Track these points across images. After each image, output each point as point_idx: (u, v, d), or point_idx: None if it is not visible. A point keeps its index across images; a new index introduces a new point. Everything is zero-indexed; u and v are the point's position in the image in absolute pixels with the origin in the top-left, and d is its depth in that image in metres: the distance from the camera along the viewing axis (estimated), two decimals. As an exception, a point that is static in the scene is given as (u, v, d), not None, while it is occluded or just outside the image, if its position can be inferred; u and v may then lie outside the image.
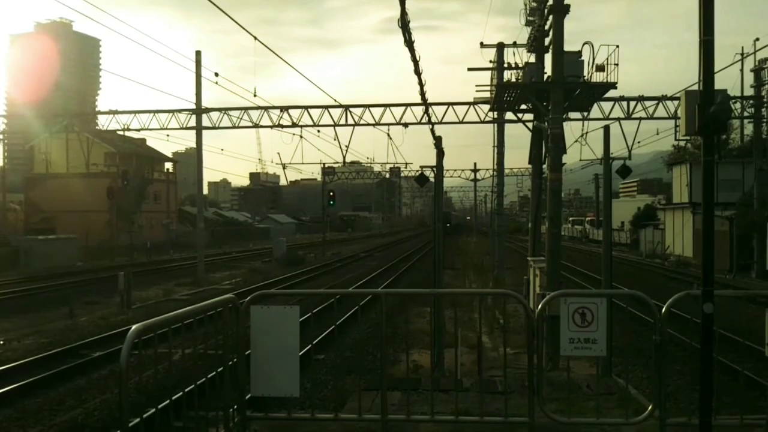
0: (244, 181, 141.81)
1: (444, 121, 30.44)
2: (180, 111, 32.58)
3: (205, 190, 52.94)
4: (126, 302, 20.11)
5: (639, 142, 30.05)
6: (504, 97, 15.07)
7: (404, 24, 8.65)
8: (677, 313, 11.86)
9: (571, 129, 30.75)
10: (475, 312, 14.11)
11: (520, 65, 14.67)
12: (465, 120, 30.54)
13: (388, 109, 31.37)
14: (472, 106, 29.95)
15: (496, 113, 24.73)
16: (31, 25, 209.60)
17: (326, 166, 51.52)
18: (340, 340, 13.91)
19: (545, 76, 13.66)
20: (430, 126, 21.32)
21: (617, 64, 12.98)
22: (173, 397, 4.84)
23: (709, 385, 4.77)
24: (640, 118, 29.31)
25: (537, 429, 5.20)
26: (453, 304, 12.01)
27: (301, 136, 32.66)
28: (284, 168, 43.25)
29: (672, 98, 28.87)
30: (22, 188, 56.53)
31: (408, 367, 6.80)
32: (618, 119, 28.71)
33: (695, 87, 4.83)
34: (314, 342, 13.02)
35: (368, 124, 31.40)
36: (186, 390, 5.15)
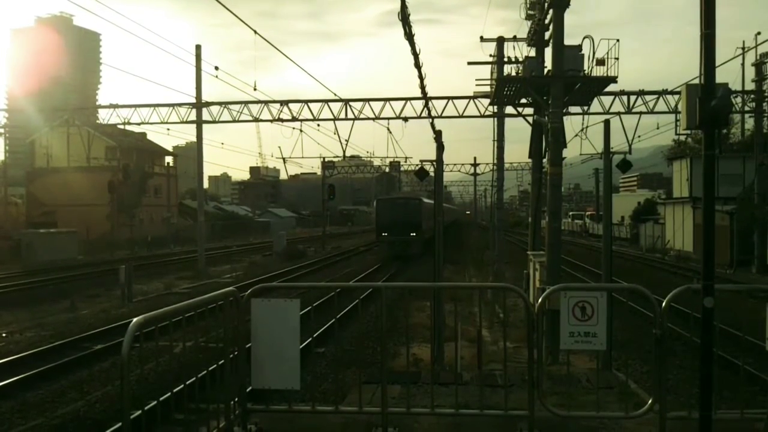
0: (245, 175, 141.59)
1: (444, 115, 30.43)
2: (180, 105, 32.58)
3: (206, 184, 53.08)
4: (127, 295, 20.15)
5: (639, 137, 30.10)
6: (504, 92, 15.05)
7: (404, 17, 8.63)
8: (677, 308, 11.87)
9: (572, 123, 30.74)
10: (474, 306, 14.14)
11: (521, 59, 14.64)
12: (465, 114, 30.52)
13: (387, 103, 31.35)
14: (472, 100, 29.93)
15: (496, 107, 24.69)
16: (31, 19, 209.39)
17: (326, 160, 51.47)
18: (341, 334, 13.93)
19: (545, 71, 13.63)
20: (430, 120, 21.28)
21: (617, 58, 12.95)
22: (174, 390, 4.86)
23: (709, 380, 4.78)
24: (641, 113, 29.29)
25: (537, 422, 5.22)
26: (453, 298, 12.04)
27: (301, 130, 32.73)
28: (284, 162, 43.22)
29: (672, 92, 28.83)
30: (23, 182, 56.51)
31: (408, 360, 6.81)
32: (618, 113, 28.69)
33: (696, 81, 4.82)
34: (315, 335, 13.06)
35: (368, 119, 31.40)
36: (187, 382, 5.17)
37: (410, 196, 42.54)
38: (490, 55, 21.48)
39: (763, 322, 5.45)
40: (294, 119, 31.76)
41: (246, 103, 31.64)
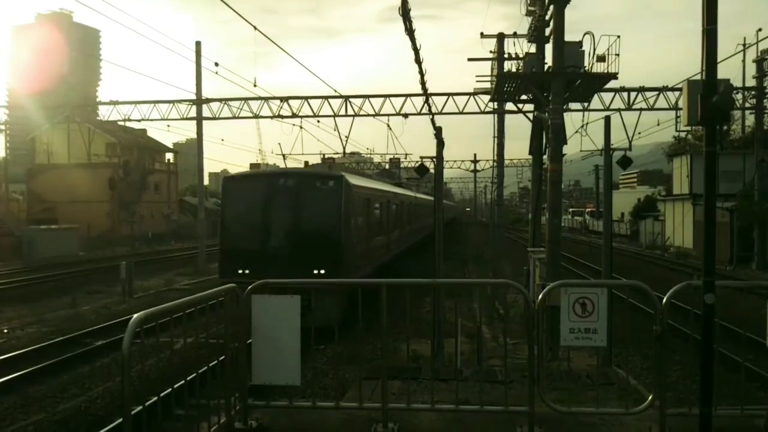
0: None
1: (444, 111, 30.41)
2: (180, 101, 32.56)
3: (206, 181, 52.81)
4: (128, 292, 20.17)
5: (639, 133, 30.04)
6: (504, 88, 15.01)
7: (405, 12, 8.61)
8: (677, 304, 11.87)
9: (572, 120, 30.59)
10: (474, 302, 14.14)
11: (521, 55, 14.61)
12: (465, 111, 30.50)
13: (387, 99, 31.33)
14: (472, 97, 29.91)
15: (496, 104, 24.66)
16: (32, 16, 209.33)
17: (326, 156, 51.34)
18: (341, 330, 13.92)
19: (546, 67, 13.60)
20: (430, 116, 21.26)
21: (618, 55, 12.92)
22: (175, 386, 4.86)
23: (709, 376, 4.78)
24: (641, 109, 29.28)
25: (537, 418, 5.22)
26: (453, 295, 12.04)
27: (301, 127, 32.63)
28: (284, 159, 43.12)
29: (672, 89, 28.82)
30: (24, 179, 56.52)
31: (408, 356, 6.82)
32: (618, 110, 28.67)
33: (697, 77, 4.81)
34: (314, 332, 13.03)
35: (368, 115, 31.41)
36: (188, 378, 5.18)
37: (312, 172, 17.68)
38: (491, 52, 21.45)
39: (763, 319, 5.46)
40: (294, 116, 31.74)
41: (246, 99, 31.63)
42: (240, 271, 13.95)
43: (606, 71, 12.88)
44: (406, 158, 56.54)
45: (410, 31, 9.41)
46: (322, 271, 14.37)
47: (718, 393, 6.02)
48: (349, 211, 15.22)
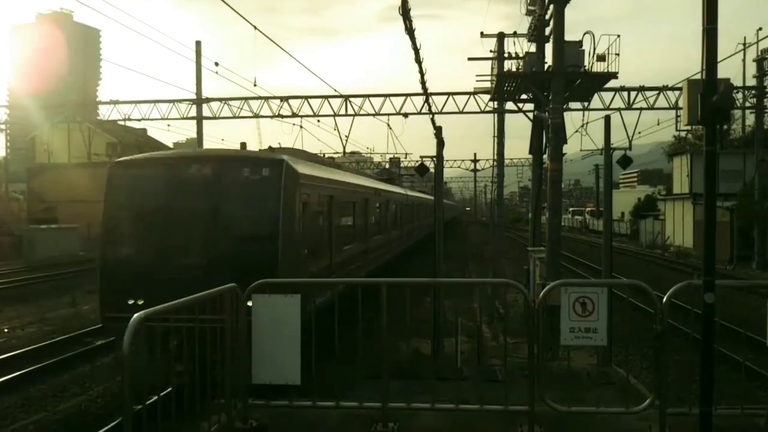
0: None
1: (444, 111, 30.41)
2: (181, 101, 32.56)
3: (206, 180, 52.89)
4: (127, 292, 20.15)
5: (639, 133, 30.03)
6: (504, 87, 15.01)
7: (405, 11, 8.63)
8: (678, 304, 11.87)
9: (572, 119, 30.61)
10: (474, 301, 14.15)
11: (521, 55, 14.60)
12: (465, 110, 30.50)
13: (387, 99, 31.33)
14: (472, 96, 29.91)
15: (496, 103, 24.65)
16: (32, 15, 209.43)
17: (326, 156, 51.39)
18: (341, 329, 13.92)
19: (546, 66, 13.60)
20: (431, 116, 21.28)
21: (618, 54, 12.92)
22: (175, 385, 4.87)
23: (709, 375, 4.79)
24: (641, 109, 29.29)
25: (537, 418, 5.23)
26: (452, 294, 12.05)
27: (301, 126, 32.63)
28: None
29: (672, 88, 28.82)
30: (24, 178, 56.50)
31: (408, 356, 6.83)
32: (618, 109, 28.67)
33: (697, 76, 4.81)
34: (314, 330, 13.02)
35: (368, 114, 31.41)
36: (188, 378, 5.18)
37: (240, 155, 11.48)
38: (491, 51, 21.45)
39: (763, 318, 5.46)
40: (294, 115, 31.74)
41: (246, 99, 31.61)
42: (131, 302, 9.29)
43: (606, 71, 12.88)
44: (406, 158, 56.59)
45: (410, 31, 9.42)
46: None
47: (719, 392, 6.03)
48: (292, 210, 10.31)
